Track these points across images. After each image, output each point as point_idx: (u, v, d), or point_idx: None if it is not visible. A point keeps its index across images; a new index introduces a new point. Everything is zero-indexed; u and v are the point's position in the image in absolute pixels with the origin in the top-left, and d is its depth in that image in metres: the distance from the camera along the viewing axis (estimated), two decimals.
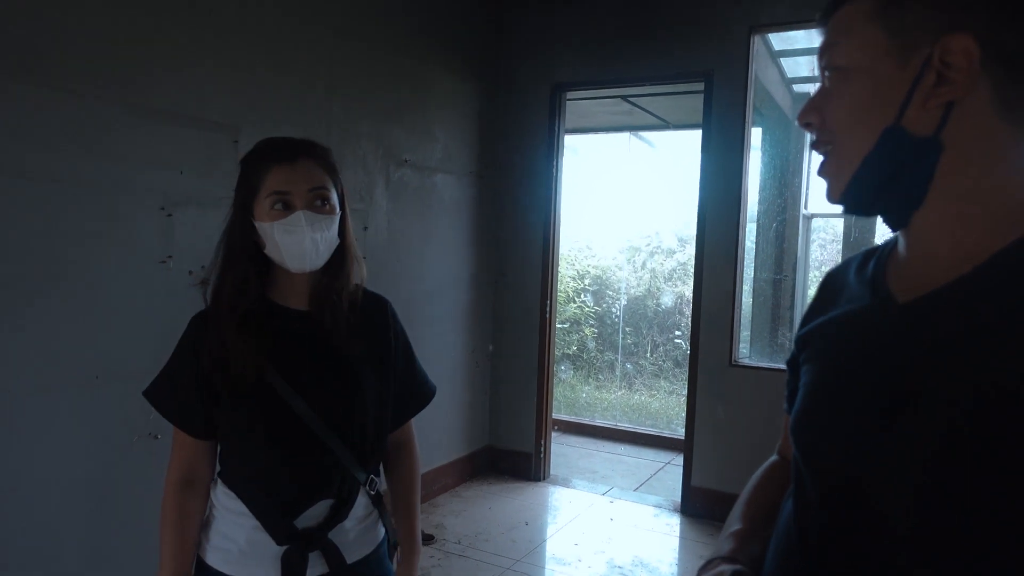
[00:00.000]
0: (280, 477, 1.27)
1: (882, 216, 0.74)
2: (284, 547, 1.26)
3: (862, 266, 0.79)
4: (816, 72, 0.77)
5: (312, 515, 1.29)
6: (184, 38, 2.52)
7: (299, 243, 1.22)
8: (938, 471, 0.62)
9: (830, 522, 0.71)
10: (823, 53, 0.73)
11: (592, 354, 7.85)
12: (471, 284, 4.25)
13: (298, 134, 2.98)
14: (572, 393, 7.29)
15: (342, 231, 1.31)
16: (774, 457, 1.00)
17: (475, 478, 4.37)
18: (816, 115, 0.73)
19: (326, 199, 1.26)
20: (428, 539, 3.47)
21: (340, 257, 1.31)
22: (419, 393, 1.46)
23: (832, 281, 0.85)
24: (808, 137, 0.89)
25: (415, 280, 3.78)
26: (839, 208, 0.76)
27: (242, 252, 1.26)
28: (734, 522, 0.89)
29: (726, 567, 0.78)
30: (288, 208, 1.23)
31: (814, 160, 0.86)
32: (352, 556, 1.32)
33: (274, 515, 1.27)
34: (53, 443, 2.22)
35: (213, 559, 1.31)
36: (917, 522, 0.63)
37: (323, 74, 3.11)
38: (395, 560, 1.44)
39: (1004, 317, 0.63)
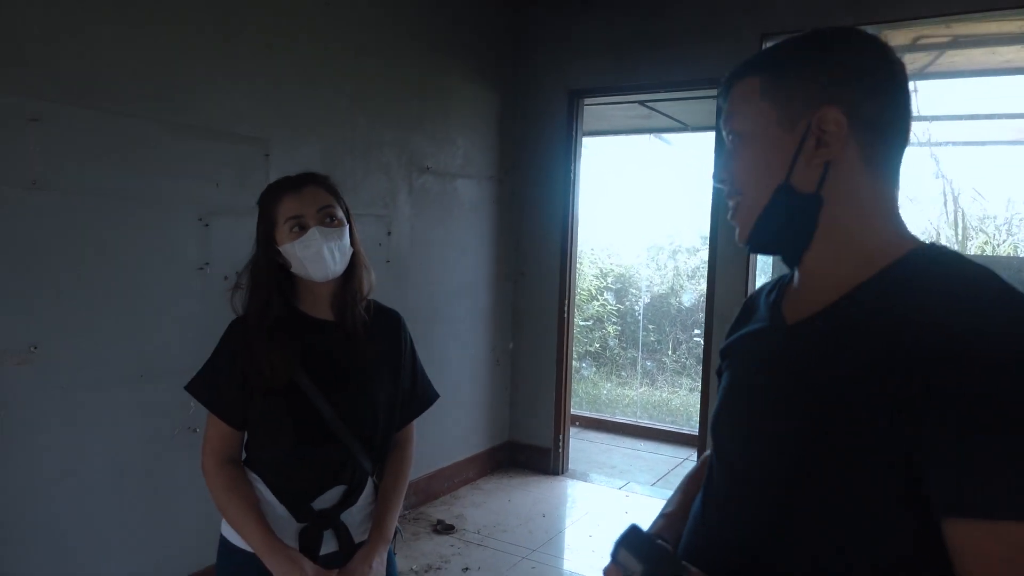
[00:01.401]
0: (301, 464, 1.45)
1: (780, 256, 0.90)
2: (302, 525, 1.44)
3: (770, 292, 0.96)
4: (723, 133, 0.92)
5: (327, 499, 1.47)
6: (220, 59, 2.71)
7: (318, 255, 1.41)
8: (800, 457, 0.78)
9: (724, 489, 0.89)
10: (726, 120, 0.88)
11: (614, 351, 7.96)
12: (491, 284, 4.41)
13: (325, 146, 3.20)
14: (594, 390, 7.42)
15: (352, 242, 1.49)
16: (708, 451, 1.17)
17: (495, 472, 4.54)
18: (725, 174, 0.89)
19: (333, 216, 1.45)
20: (448, 529, 3.64)
21: (352, 267, 1.49)
22: (423, 397, 1.64)
23: (750, 302, 1.01)
24: None
25: (437, 281, 3.95)
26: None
27: (267, 277, 1.45)
28: (668, 505, 1.07)
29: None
30: (303, 228, 1.42)
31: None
32: (358, 537, 1.50)
33: (294, 497, 1.45)
34: (103, 434, 2.43)
35: (236, 538, 1.48)
36: (786, 493, 0.80)
37: (348, 88, 3.29)
38: (395, 543, 1.61)
39: (855, 337, 0.77)
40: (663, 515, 1.05)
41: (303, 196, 1.44)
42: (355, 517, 1.49)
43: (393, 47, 3.54)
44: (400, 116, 3.61)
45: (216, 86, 2.71)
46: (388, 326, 1.57)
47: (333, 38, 3.20)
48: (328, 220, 1.44)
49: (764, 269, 4.25)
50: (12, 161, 2.14)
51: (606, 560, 0.85)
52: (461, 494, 4.15)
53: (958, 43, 3.86)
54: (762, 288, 1.01)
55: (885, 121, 0.81)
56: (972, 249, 5.01)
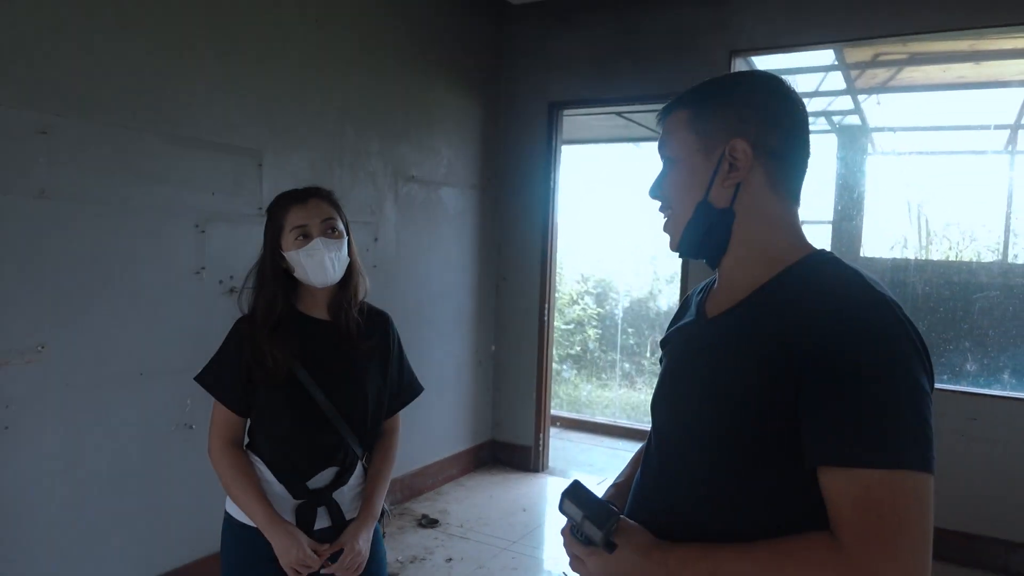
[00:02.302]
0: (299, 448, 1.61)
1: (704, 259, 1.08)
2: (298, 502, 1.60)
3: (700, 291, 1.15)
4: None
5: (321, 479, 1.63)
6: (216, 75, 2.85)
7: (320, 263, 1.58)
8: (713, 426, 0.96)
9: (655, 457, 1.06)
10: (660, 146, 1.07)
11: (595, 354, 8.14)
12: (474, 289, 4.57)
13: (315, 156, 3.35)
14: (575, 391, 7.60)
15: (349, 252, 1.64)
16: None
17: (478, 469, 4.69)
18: (659, 192, 1.08)
19: (335, 227, 1.62)
20: (433, 523, 3.79)
21: (349, 274, 1.65)
22: (409, 390, 1.81)
23: (685, 301, 1.20)
24: None
25: (422, 286, 4.11)
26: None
27: (272, 278, 1.61)
28: (619, 476, 1.24)
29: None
30: (307, 238, 1.58)
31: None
32: (349, 514, 1.67)
33: (291, 477, 1.61)
34: (104, 431, 2.56)
35: (238, 514, 1.63)
36: (705, 457, 0.97)
37: (337, 100, 3.44)
38: (383, 522, 1.77)
39: (756, 326, 0.95)
40: (614, 484, 1.22)
41: (309, 208, 1.60)
42: (346, 496, 1.66)
43: (380, 61, 3.70)
44: (386, 127, 3.77)
45: (212, 100, 2.85)
46: (378, 326, 1.74)
47: (323, 53, 3.35)
48: (330, 231, 1.61)
49: None
50: (21, 172, 2.27)
51: None
52: (445, 490, 4.30)
53: (915, 60, 4.09)
54: (696, 288, 1.20)
55: (785, 150, 1.00)
56: (936, 255, 5.23)
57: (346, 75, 3.49)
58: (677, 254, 1.08)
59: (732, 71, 3.97)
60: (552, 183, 4.59)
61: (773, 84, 1.01)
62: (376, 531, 1.71)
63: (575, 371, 8.00)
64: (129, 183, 2.58)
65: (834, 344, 0.85)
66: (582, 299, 8.14)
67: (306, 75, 3.27)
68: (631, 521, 0.99)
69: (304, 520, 1.59)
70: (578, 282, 8.17)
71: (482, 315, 4.67)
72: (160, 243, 2.71)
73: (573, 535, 0.99)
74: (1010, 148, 4.33)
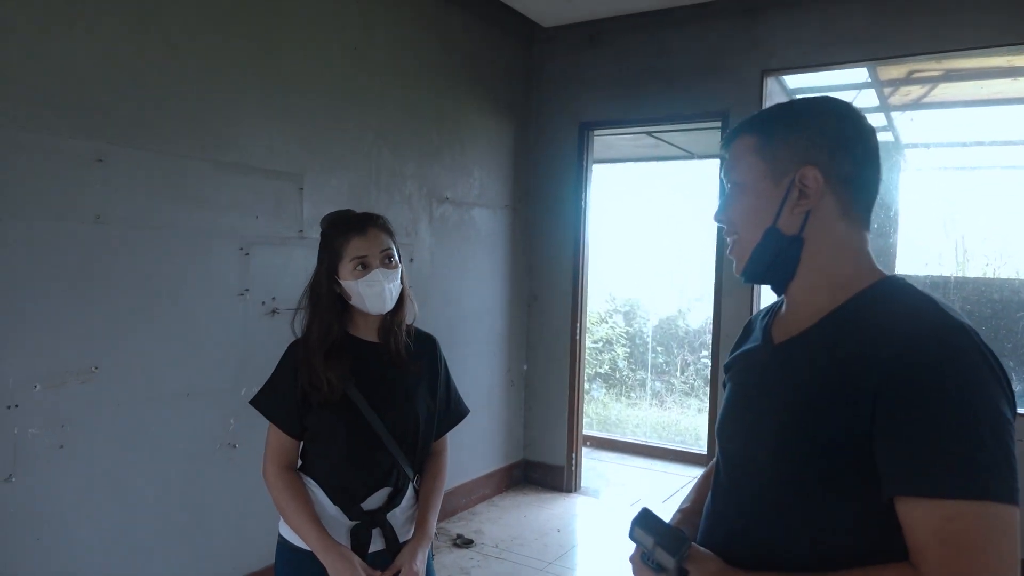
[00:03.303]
0: (352, 469, 1.64)
1: (770, 285, 1.08)
2: (353, 523, 1.62)
3: (764, 316, 1.15)
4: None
5: (374, 500, 1.65)
6: (258, 100, 2.93)
7: (380, 293, 1.61)
8: (784, 451, 0.96)
9: (726, 483, 1.07)
10: (726, 172, 1.08)
11: (623, 373, 8.11)
12: (506, 308, 4.60)
13: (353, 179, 3.41)
14: (604, 411, 7.56)
15: (401, 279, 1.68)
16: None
17: (511, 489, 4.69)
18: (725, 216, 1.08)
19: (391, 257, 1.65)
20: (468, 543, 3.79)
21: (400, 299, 1.68)
22: (456, 412, 1.84)
23: (749, 325, 1.21)
24: None
25: (455, 306, 4.14)
26: None
27: (329, 304, 1.64)
28: (684, 502, 1.25)
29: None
30: (366, 268, 1.61)
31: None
32: (403, 536, 1.68)
33: (346, 498, 1.63)
34: (152, 448, 2.61)
35: (293, 537, 1.66)
36: (775, 482, 0.97)
37: (373, 123, 3.51)
38: (432, 547, 1.79)
39: (829, 352, 0.95)
40: (680, 511, 1.22)
41: (368, 238, 1.63)
42: (399, 518, 1.68)
43: (414, 84, 3.77)
44: (421, 149, 3.83)
45: (255, 126, 2.93)
46: (426, 348, 1.77)
47: (360, 78, 3.43)
48: (387, 261, 1.64)
49: (768, 294, 4.43)
50: (79, 198, 2.35)
51: (620, 573, 1.02)
52: (478, 510, 4.30)
53: (949, 76, 4.06)
54: (759, 313, 1.20)
55: (855, 177, 1.00)
56: (972, 272, 5.17)
57: (382, 98, 3.56)
58: (742, 279, 1.08)
59: (764, 89, 3.99)
60: (583, 203, 4.62)
61: (843, 110, 1.01)
62: (428, 554, 1.74)
63: (604, 390, 7.98)
64: (177, 208, 2.65)
65: (911, 371, 0.85)
66: (611, 317, 8.13)
67: (344, 99, 3.35)
68: (702, 548, 0.99)
69: (359, 543, 1.61)
70: (606, 301, 8.16)
71: (513, 334, 4.69)
72: (206, 266, 2.77)
73: (644, 562, 0.99)
74: None
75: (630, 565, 1.12)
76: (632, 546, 1.11)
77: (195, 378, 2.75)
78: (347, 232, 1.64)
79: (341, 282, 1.64)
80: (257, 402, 1.69)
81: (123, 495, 2.53)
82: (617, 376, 8.10)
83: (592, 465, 5.35)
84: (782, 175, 1.00)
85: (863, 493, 0.89)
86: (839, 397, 0.90)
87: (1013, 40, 3.47)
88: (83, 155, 2.36)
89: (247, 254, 2.91)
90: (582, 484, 4.81)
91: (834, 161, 0.98)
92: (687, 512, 1.21)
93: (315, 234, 3.19)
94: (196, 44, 2.69)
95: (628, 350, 8.16)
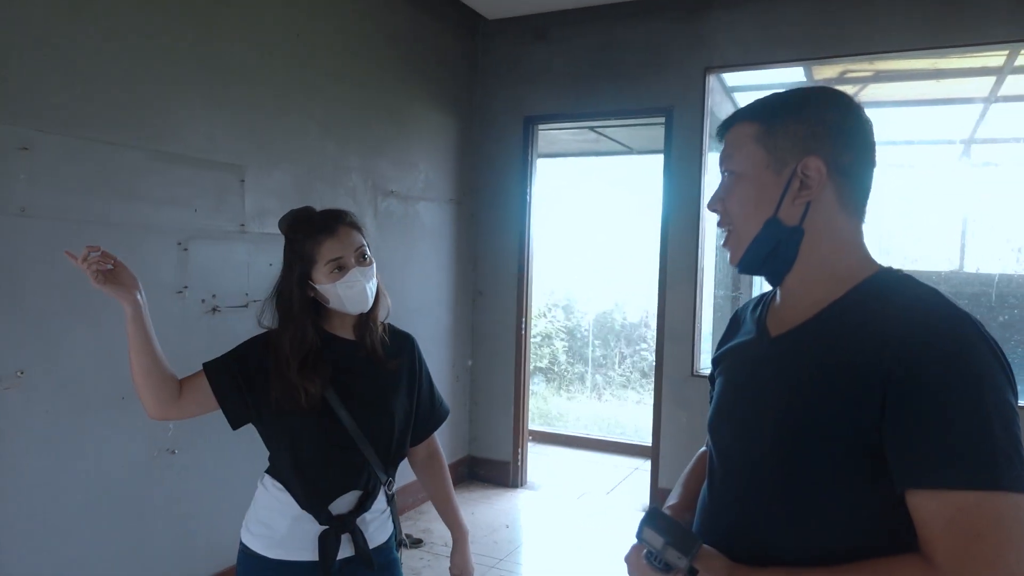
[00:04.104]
0: (322, 470, 1.56)
1: (765, 277, 1.07)
2: (322, 528, 1.54)
3: (755, 308, 1.14)
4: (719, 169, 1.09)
5: (343, 503, 1.58)
6: (197, 88, 2.78)
7: (360, 293, 1.55)
8: (783, 446, 0.95)
9: (723, 479, 1.05)
10: (722, 160, 1.05)
11: (563, 367, 8.17)
12: (451, 303, 4.54)
13: (297, 172, 3.28)
14: (544, 405, 7.59)
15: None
16: (703, 448, 1.33)
17: (457, 486, 4.59)
18: (720, 204, 1.06)
19: (365, 254, 1.58)
20: (417, 543, 3.72)
21: (376, 296, 1.62)
22: (440, 412, 1.78)
23: (737, 316, 1.19)
24: None
25: (399, 300, 4.01)
26: None
27: (301, 311, 1.55)
28: (672, 498, 1.22)
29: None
30: (343, 269, 1.54)
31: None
32: (373, 542, 1.61)
33: (314, 501, 1.55)
34: (86, 456, 2.45)
35: (256, 545, 1.58)
36: (775, 477, 0.96)
37: (318, 115, 3.39)
38: (400, 552, 1.74)
39: (832, 344, 0.94)
40: (668, 507, 1.20)
41: (341, 238, 1.55)
42: (368, 525, 1.61)
43: (359, 75, 3.66)
44: (366, 142, 3.73)
45: (195, 115, 2.77)
46: (404, 347, 1.70)
47: (304, 67, 3.30)
48: (363, 259, 1.57)
49: (717, 284, 4.51)
50: (2, 190, 2.17)
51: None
52: (425, 509, 4.23)
53: (879, 77, 4.23)
54: (747, 304, 1.19)
55: (856, 169, 0.99)
56: (890, 263, 5.40)
57: (326, 89, 3.44)
58: (738, 270, 1.06)
59: (706, 86, 4.05)
60: (527, 197, 4.60)
61: (845, 101, 0.99)
62: (396, 562, 1.68)
63: (544, 384, 8.01)
64: (110, 200, 2.48)
65: (921, 362, 0.84)
66: (549, 312, 8.17)
67: (288, 89, 3.21)
68: (707, 546, 0.98)
69: (327, 549, 1.53)
70: (546, 295, 8.19)
71: (458, 330, 4.64)
72: (141, 262, 2.60)
73: (649, 562, 0.97)
74: (964, 160, 4.50)
75: (625, 565, 1.10)
76: (625, 546, 1.09)
77: (130, 381, 2.58)
78: (316, 234, 1.55)
79: (316, 286, 1.56)
80: (210, 367, 1.57)
81: (56, 507, 2.36)
82: (556, 370, 8.15)
83: (536, 460, 5.35)
84: (783, 165, 0.98)
85: (870, 486, 0.89)
86: (846, 390, 0.89)
87: (938, 44, 3.64)
88: (6, 142, 2.18)
89: (185, 249, 2.76)
90: (528, 479, 4.80)
91: (835, 152, 0.96)
92: (676, 509, 1.19)
93: (258, 228, 3.08)
94: (131, 26, 2.52)
95: (567, 344, 8.22)
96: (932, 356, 0.85)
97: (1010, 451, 0.82)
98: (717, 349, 1.19)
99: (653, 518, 0.97)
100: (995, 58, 3.86)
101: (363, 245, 1.59)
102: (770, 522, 0.97)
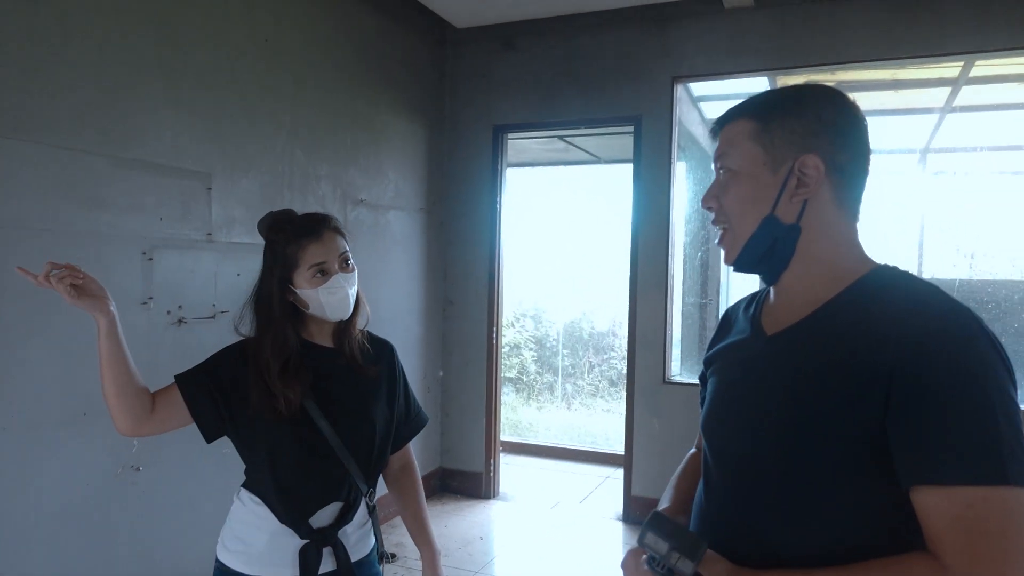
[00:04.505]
0: (302, 482, 1.51)
1: (760, 275, 1.06)
2: (303, 543, 1.49)
3: (748, 306, 1.12)
4: (713, 166, 1.08)
5: (323, 516, 1.53)
6: (162, 93, 2.71)
7: (343, 300, 1.51)
8: (785, 446, 0.94)
9: (721, 481, 1.03)
10: (718, 157, 1.04)
11: (532, 376, 8.15)
12: (422, 313, 4.49)
13: (265, 180, 3.21)
14: (514, 415, 7.56)
15: None
16: (692, 450, 1.32)
17: (429, 498, 4.56)
18: (715, 201, 1.04)
19: (348, 260, 1.55)
20: (391, 558, 3.65)
21: (356, 303, 1.58)
22: (417, 420, 1.75)
23: (728, 316, 1.18)
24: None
25: (370, 311, 3.99)
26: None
27: (282, 316, 1.51)
28: (664, 501, 1.20)
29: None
30: (326, 274, 1.50)
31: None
32: (355, 555, 1.56)
33: (294, 514, 1.50)
34: (47, 474, 2.34)
35: (232, 561, 1.52)
36: (776, 478, 0.95)
37: (286, 122, 3.33)
38: (382, 565, 1.69)
39: (831, 342, 0.94)
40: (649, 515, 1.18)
41: (325, 243, 1.51)
42: (349, 538, 1.56)
43: (328, 83, 3.61)
44: (335, 150, 3.67)
45: (160, 121, 2.70)
46: (384, 354, 1.67)
47: (272, 74, 3.24)
48: (346, 265, 1.53)
49: (687, 292, 4.54)
50: None
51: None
52: (397, 523, 4.16)
53: (840, 87, 4.32)
54: (738, 304, 1.17)
55: (852, 167, 0.98)
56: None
57: (295, 97, 3.39)
58: (732, 268, 1.04)
59: (674, 96, 4.10)
60: (497, 206, 4.59)
61: (841, 99, 0.99)
62: (377, 569, 1.64)
63: (513, 394, 7.98)
64: (71, 208, 2.40)
65: (924, 358, 0.84)
66: (518, 321, 8.15)
67: (255, 96, 3.15)
68: (709, 549, 0.96)
69: (308, 564, 1.48)
70: (514, 305, 8.18)
71: (429, 340, 4.59)
72: (104, 272, 2.52)
73: (651, 568, 0.94)
74: (920, 168, 4.62)
75: (622, 572, 1.07)
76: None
77: (93, 396, 2.48)
78: (299, 238, 1.51)
79: (297, 291, 1.51)
80: (182, 379, 1.51)
81: (14, 528, 2.25)
82: (525, 380, 8.13)
83: (508, 470, 5.31)
84: (781, 162, 0.97)
85: (872, 484, 0.88)
86: (848, 387, 0.88)
87: (896, 55, 3.73)
88: None
89: (150, 259, 2.67)
90: (500, 490, 4.76)
91: (833, 150, 0.96)
92: (669, 512, 1.17)
93: (225, 237, 3.01)
94: (92, 29, 2.45)
95: (536, 354, 8.21)
96: (936, 352, 0.84)
97: (1014, 445, 0.81)
98: (708, 349, 1.17)
99: (656, 522, 0.94)
100: (951, 69, 3.98)
101: (347, 251, 1.55)
102: (771, 522, 0.95)
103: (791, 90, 1.02)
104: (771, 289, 1.07)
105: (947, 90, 4.20)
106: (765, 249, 1.00)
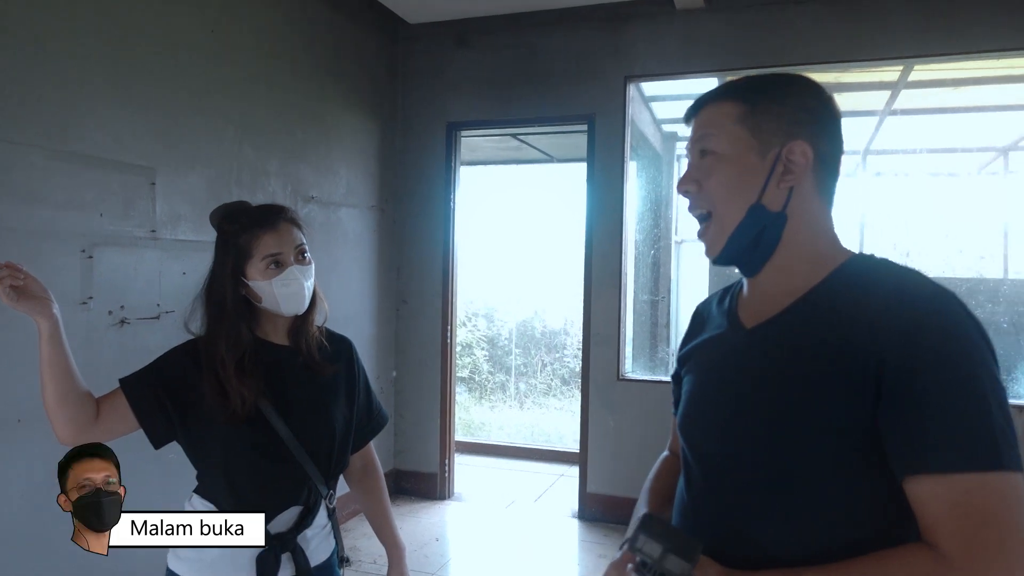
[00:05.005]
0: (258, 487, 1.46)
1: (741, 267, 1.03)
2: (260, 550, 1.42)
3: (721, 300, 1.10)
4: (687, 149, 1.04)
5: (283, 520, 1.48)
6: (104, 84, 2.59)
7: (297, 293, 1.45)
8: (770, 444, 0.92)
9: (704, 482, 1.01)
10: (696, 140, 1.01)
11: (484, 376, 8.12)
12: (374, 313, 4.42)
13: (212, 175, 3.12)
14: (467, 415, 7.52)
15: None
16: (665, 453, 1.28)
17: None
18: (695, 185, 1.00)
19: (305, 252, 1.49)
20: (345, 562, 3.57)
21: (313, 299, 1.52)
22: (378, 420, 1.70)
23: (700, 312, 1.16)
24: (677, 175, 1.18)
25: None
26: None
27: (235, 309, 1.44)
28: (641, 507, 1.15)
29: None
30: (280, 266, 1.44)
31: (682, 203, 1.15)
32: (314, 560, 1.51)
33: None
34: None
35: (185, 570, 1.45)
36: (763, 477, 0.93)
37: (235, 117, 3.23)
38: (343, 569, 1.65)
39: (814, 333, 0.92)
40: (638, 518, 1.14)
41: (281, 234, 1.45)
42: (309, 542, 1.51)
43: (278, 77, 3.52)
44: (285, 146, 3.58)
45: (100, 112, 2.58)
46: (342, 352, 1.61)
47: (220, 66, 3.14)
48: (302, 257, 1.48)
49: (640, 289, 4.58)
50: None
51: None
52: (351, 526, 4.09)
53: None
54: (710, 299, 1.15)
55: (830, 156, 0.98)
56: None
57: (243, 91, 3.29)
58: (712, 260, 1.00)
59: (627, 95, 4.13)
60: (451, 204, 4.55)
61: (823, 92, 0.98)
62: (337, 573, 1.59)
63: (466, 393, 7.94)
64: (5, 203, 2.27)
65: (913, 346, 0.82)
66: (471, 320, 8.11)
67: (202, 89, 3.04)
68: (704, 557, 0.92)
69: (266, 571, 1.42)
70: (466, 304, 8.14)
71: (382, 340, 4.52)
72: (41, 270, 2.34)
73: (643, 572, 0.88)
74: (860, 170, 4.76)
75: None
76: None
77: (29, 401, 2.36)
78: (254, 227, 1.45)
79: (249, 283, 1.45)
80: (127, 382, 1.44)
81: None
82: (478, 379, 8.10)
83: (462, 470, 5.28)
84: (767, 148, 0.95)
85: (863, 477, 0.87)
86: (836, 378, 0.86)
87: (838, 59, 3.84)
88: None
89: (90, 257, 2.55)
90: (455, 490, 4.72)
91: (817, 139, 0.95)
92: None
93: (170, 235, 2.90)
94: (30, 15, 2.32)
95: (488, 353, 8.18)
96: (925, 339, 0.83)
97: (1006, 430, 0.81)
98: (682, 348, 1.14)
99: (647, 524, 0.89)
100: (891, 73, 4.11)
101: (303, 243, 1.50)
102: (760, 521, 0.93)
103: (777, 76, 1.00)
104: (744, 282, 1.05)
105: (887, 93, 4.34)
106: (751, 239, 0.97)
